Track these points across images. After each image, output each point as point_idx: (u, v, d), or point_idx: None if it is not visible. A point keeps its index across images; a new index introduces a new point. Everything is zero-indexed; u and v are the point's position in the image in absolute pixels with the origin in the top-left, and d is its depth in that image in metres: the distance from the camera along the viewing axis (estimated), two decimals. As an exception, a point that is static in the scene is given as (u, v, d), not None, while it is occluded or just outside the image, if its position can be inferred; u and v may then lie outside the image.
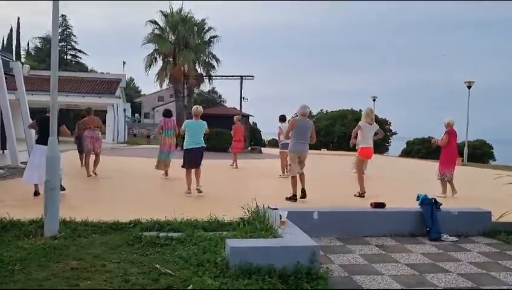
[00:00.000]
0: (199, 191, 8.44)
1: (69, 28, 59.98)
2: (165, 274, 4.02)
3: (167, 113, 11.48)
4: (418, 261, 5.15)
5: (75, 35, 60.80)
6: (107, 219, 5.68)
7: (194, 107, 9.03)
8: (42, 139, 7.33)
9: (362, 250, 5.50)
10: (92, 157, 11.26)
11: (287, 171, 11.68)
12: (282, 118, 12.44)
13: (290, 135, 8.36)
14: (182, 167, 8.67)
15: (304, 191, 8.13)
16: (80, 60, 61.64)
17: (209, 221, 5.77)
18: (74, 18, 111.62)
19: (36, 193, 7.70)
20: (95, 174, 11.05)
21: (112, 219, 5.68)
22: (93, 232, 5.30)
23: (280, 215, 5.23)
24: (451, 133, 9.58)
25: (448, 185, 9.57)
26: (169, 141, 11.18)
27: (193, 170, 8.69)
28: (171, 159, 11.26)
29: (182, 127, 8.76)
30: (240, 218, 5.64)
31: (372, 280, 4.42)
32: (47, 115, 8.08)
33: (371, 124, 9.03)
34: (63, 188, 7.30)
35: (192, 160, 8.58)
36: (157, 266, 4.21)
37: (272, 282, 3.94)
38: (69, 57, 60.97)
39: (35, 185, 7.75)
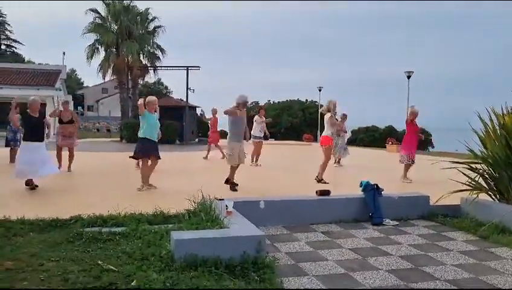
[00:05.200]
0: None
1: (2, 16, 56.51)
2: (107, 270, 3.89)
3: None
4: (361, 245, 5.30)
5: (9, 24, 57.37)
6: (46, 216, 5.42)
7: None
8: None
9: (308, 237, 5.59)
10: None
11: (255, 161, 12.79)
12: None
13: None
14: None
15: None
16: (16, 50, 58.29)
17: (154, 214, 5.65)
18: (9, 6, 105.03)
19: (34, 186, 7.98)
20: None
21: (51, 216, 5.43)
22: (30, 231, 5.04)
23: (226, 206, 5.21)
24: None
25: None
26: None
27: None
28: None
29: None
30: (186, 210, 5.55)
31: (318, 266, 4.50)
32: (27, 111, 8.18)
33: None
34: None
35: None
36: (99, 262, 4.06)
37: (218, 273, 3.91)
38: (3, 47, 57.49)
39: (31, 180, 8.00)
